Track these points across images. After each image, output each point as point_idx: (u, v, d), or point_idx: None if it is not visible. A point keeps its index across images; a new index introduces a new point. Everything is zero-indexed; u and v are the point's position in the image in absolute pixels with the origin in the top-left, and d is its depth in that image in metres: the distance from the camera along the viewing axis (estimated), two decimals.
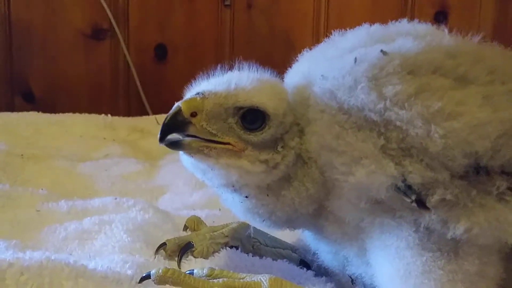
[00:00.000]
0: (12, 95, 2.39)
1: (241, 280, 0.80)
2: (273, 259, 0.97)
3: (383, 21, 0.88)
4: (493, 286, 0.76)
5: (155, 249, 0.95)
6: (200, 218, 1.07)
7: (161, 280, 0.79)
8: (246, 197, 0.82)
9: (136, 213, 1.08)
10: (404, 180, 0.72)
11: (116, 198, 1.18)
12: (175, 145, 0.79)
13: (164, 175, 1.59)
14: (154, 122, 2.14)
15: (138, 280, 0.81)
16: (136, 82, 2.40)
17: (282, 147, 0.80)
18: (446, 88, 0.73)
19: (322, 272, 0.94)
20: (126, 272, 0.81)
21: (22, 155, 1.64)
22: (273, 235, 1.04)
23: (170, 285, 0.79)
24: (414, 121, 0.71)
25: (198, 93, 0.79)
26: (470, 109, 0.71)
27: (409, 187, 0.72)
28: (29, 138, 1.84)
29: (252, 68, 0.84)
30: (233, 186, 0.82)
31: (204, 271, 0.83)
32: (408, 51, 0.77)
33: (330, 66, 0.79)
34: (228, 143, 0.78)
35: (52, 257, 0.75)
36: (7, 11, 2.35)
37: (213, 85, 0.81)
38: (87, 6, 2.38)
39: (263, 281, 0.79)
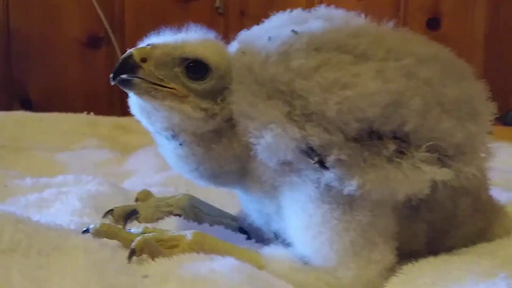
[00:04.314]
0: (10, 102, 2.46)
1: (169, 234, 0.90)
2: (210, 225, 1.07)
3: None
4: (386, 237, 0.86)
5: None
6: (150, 191, 1.17)
7: (97, 233, 0.89)
8: (181, 144, 0.91)
9: (91, 186, 1.18)
10: (307, 143, 0.82)
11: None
12: (126, 83, 0.87)
13: (133, 162, 1.70)
14: (136, 121, 2.22)
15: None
16: None
17: (221, 100, 0.89)
18: (345, 63, 0.84)
19: (256, 235, 1.03)
20: (69, 227, 0.91)
21: (3, 146, 1.75)
22: (219, 207, 1.14)
23: (106, 238, 0.89)
24: (314, 90, 0.82)
25: (148, 44, 0.89)
26: (363, 81, 0.82)
27: (312, 149, 0.82)
28: (12, 132, 1.94)
29: (199, 30, 0.95)
30: (173, 130, 0.90)
31: (140, 230, 0.93)
32: (316, 31, 0.88)
33: (251, 44, 0.90)
34: (173, 89, 0.87)
35: None
36: (6, 20, 2.43)
37: (162, 40, 0.91)
38: (83, 15, 2.45)
39: (187, 234, 0.89)
